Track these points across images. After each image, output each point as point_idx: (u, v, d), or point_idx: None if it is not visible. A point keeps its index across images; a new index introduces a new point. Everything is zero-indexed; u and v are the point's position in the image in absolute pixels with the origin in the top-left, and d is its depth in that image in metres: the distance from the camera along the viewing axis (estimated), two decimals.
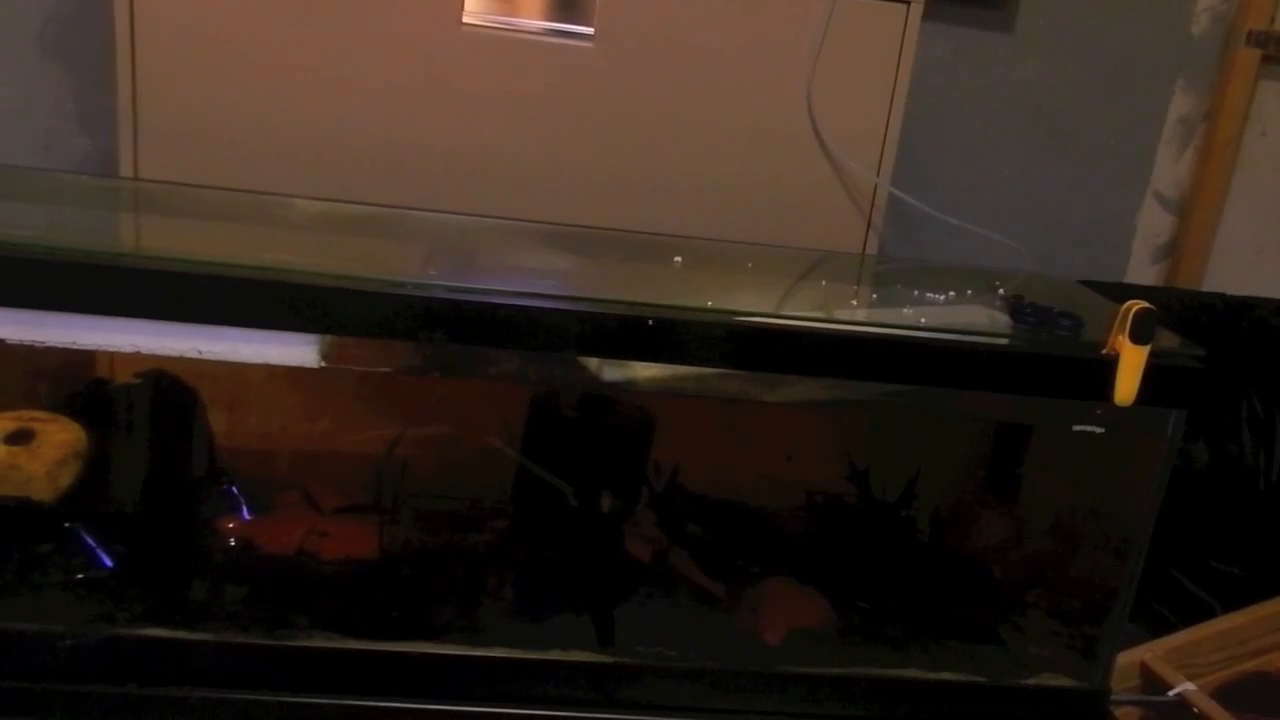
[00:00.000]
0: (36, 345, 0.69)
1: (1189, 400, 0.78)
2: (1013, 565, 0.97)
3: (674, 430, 0.98)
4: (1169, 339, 0.80)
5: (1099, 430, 0.78)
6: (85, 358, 0.93)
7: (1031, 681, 0.86)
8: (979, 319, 0.85)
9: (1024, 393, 0.78)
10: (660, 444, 0.98)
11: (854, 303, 0.96)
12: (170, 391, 0.90)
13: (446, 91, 1.02)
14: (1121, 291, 1.11)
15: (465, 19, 1.01)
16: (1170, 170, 1.57)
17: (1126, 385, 0.76)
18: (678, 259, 0.95)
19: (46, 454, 0.84)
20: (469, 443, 0.99)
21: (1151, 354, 0.76)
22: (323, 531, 0.89)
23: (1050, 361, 0.77)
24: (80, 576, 0.80)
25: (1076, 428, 0.79)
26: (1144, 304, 0.75)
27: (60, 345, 0.69)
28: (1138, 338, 0.75)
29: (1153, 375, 0.76)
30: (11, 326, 0.69)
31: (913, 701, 0.84)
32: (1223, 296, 1.40)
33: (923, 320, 0.80)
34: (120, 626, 0.76)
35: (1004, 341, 0.79)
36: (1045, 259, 1.50)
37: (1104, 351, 0.77)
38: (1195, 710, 0.93)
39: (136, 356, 0.70)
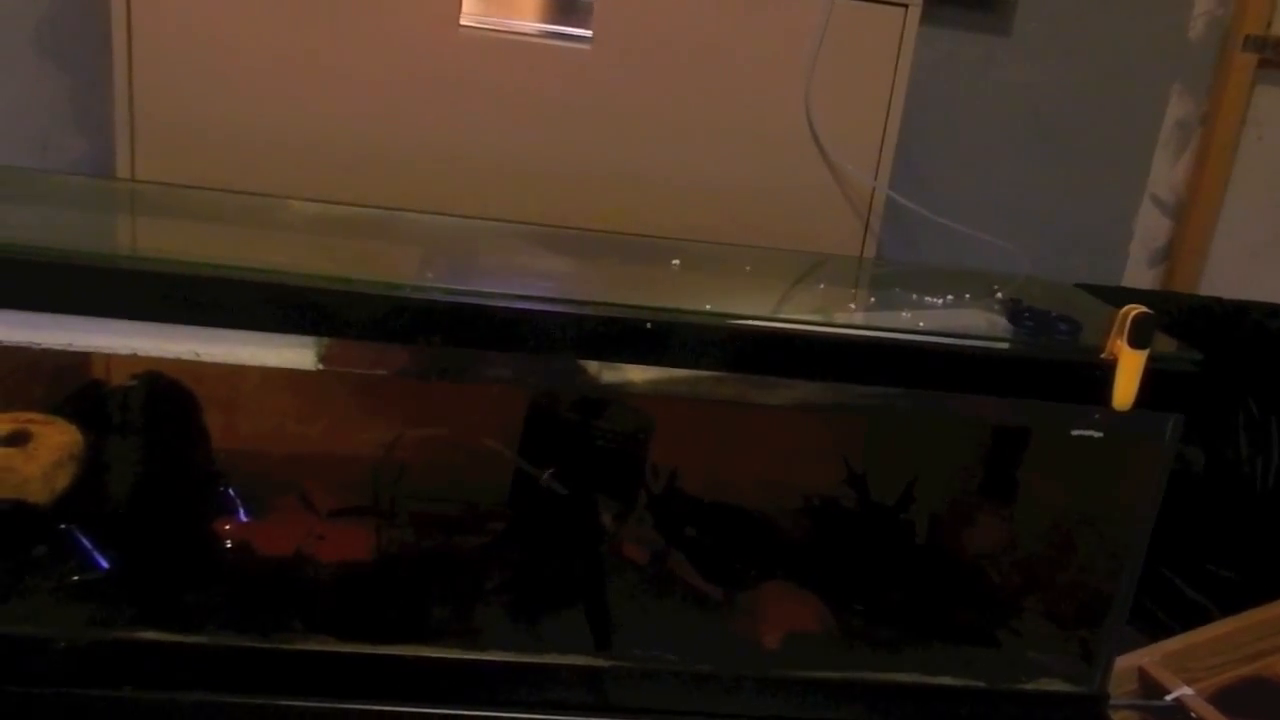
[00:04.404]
0: (32, 347, 0.69)
1: (1187, 404, 0.78)
2: (1011, 569, 0.97)
3: (672, 433, 0.97)
4: (1167, 343, 0.80)
5: (1097, 435, 0.78)
6: (81, 359, 0.92)
7: (1030, 686, 0.86)
8: (977, 323, 0.85)
9: (1022, 397, 0.78)
10: (658, 447, 0.98)
11: (851, 306, 0.96)
12: (167, 393, 0.89)
13: (444, 93, 1.02)
14: (1119, 295, 1.10)
15: (463, 21, 1.00)
16: (1167, 174, 1.57)
17: (1125, 390, 0.76)
18: (675, 261, 0.95)
19: (42, 456, 0.84)
20: (466, 445, 0.99)
21: (1150, 358, 0.76)
22: (320, 534, 0.89)
23: (1048, 366, 0.77)
24: (76, 579, 0.80)
25: (1075, 432, 0.78)
26: (1143, 308, 0.75)
27: (56, 347, 0.69)
28: (1136, 342, 0.75)
29: (1151, 380, 0.76)
30: (7, 328, 0.68)
31: (911, 706, 0.84)
32: (1219, 300, 1.40)
33: (920, 324, 0.80)
34: (116, 630, 0.76)
35: (1002, 345, 0.78)
36: (1042, 262, 1.51)
37: (1102, 356, 0.77)
38: (1193, 715, 0.93)
39: (134, 359, 0.70)
